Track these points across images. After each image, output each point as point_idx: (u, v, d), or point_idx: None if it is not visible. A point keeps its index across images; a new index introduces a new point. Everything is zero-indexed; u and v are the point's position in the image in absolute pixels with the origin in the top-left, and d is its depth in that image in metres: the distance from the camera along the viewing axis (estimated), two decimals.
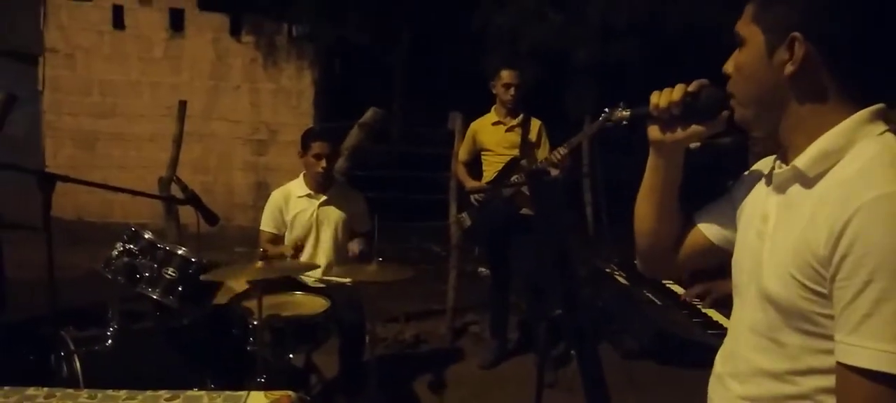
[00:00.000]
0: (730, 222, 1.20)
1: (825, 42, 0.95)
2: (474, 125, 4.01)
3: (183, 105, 4.87)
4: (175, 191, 3.38)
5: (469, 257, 5.31)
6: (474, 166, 4.06)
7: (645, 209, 1.27)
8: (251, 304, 2.63)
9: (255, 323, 2.54)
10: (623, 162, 3.78)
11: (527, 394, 2.21)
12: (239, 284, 2.81)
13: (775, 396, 1.00)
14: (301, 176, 3.37)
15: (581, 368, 1.83)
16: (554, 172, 3.50)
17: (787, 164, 1.02)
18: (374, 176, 5.06)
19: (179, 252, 2.43)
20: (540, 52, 6.66)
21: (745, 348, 1.07)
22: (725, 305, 2.11)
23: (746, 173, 1.20)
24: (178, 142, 4.85)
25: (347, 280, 3.15)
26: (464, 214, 4.08)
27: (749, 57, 1.04)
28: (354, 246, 3.39)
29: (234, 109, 8.22)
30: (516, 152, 3.81)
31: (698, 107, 1.13)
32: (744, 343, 1.07)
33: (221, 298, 2.70)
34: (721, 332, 1.97)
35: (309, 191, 3.32)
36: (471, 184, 4.00)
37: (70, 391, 1.74)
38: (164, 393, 1.73)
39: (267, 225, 3.32)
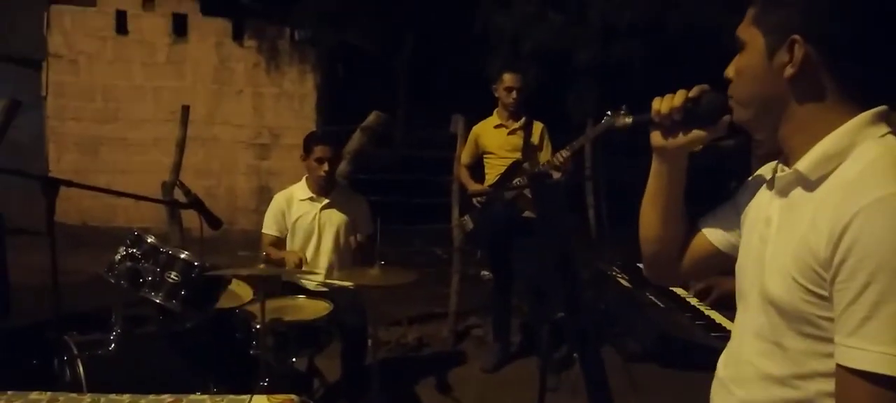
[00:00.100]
0: (734, 227, 1.20)
1: (825, 44, 0.96)
2: (476, 128, 4.02)
3: (186, 109, 4.88)
4: (178, 195, 3.40)
5: (471, 260, 5.30)
6: (477, 169, 4.06)
7: (650, 215, 1.26)
8: (254, 308, 2.64)
9: (258, 327, 2.55)
10: (625, 164, 3.78)
11: (529, 397, 2.21)
12: (245, 292, 2.81)
13: (778, 400, 1.00)
14: (304, 179, 3.38)
15: (584, 371, 1.83)
16: (556, 175, 3.50)
17: (788, 167, 1.02)
18: (377, 179, 5.07)
19: (182, 256, 2.43)
20: (541, 54, 6.65)
21: (748, 352, 1.06)
22: (728, 304, 2.10)
23: (750, 178, 1.20)
24: (181, 146, 4.86)
25: (350, 283, 3.15)
26: (466, 217, 4.08)
27: (750, 60, 1.04)
28: (354, 240, 3.39)
29: (236, 113, 8.24)
30: (518, 155, 3.81)
31: (700, 113, 1.13)
32: (747, 347, 1.07)
33: (226, 305, 2.70)
34: (724, 335, 1.97)
35: (311, 195, 3.33)
36: (473, 187, 3.99)
37: (73, 395, 1.75)
38: (167, 397, 1.73)
39: (269, 228, 3.33)
